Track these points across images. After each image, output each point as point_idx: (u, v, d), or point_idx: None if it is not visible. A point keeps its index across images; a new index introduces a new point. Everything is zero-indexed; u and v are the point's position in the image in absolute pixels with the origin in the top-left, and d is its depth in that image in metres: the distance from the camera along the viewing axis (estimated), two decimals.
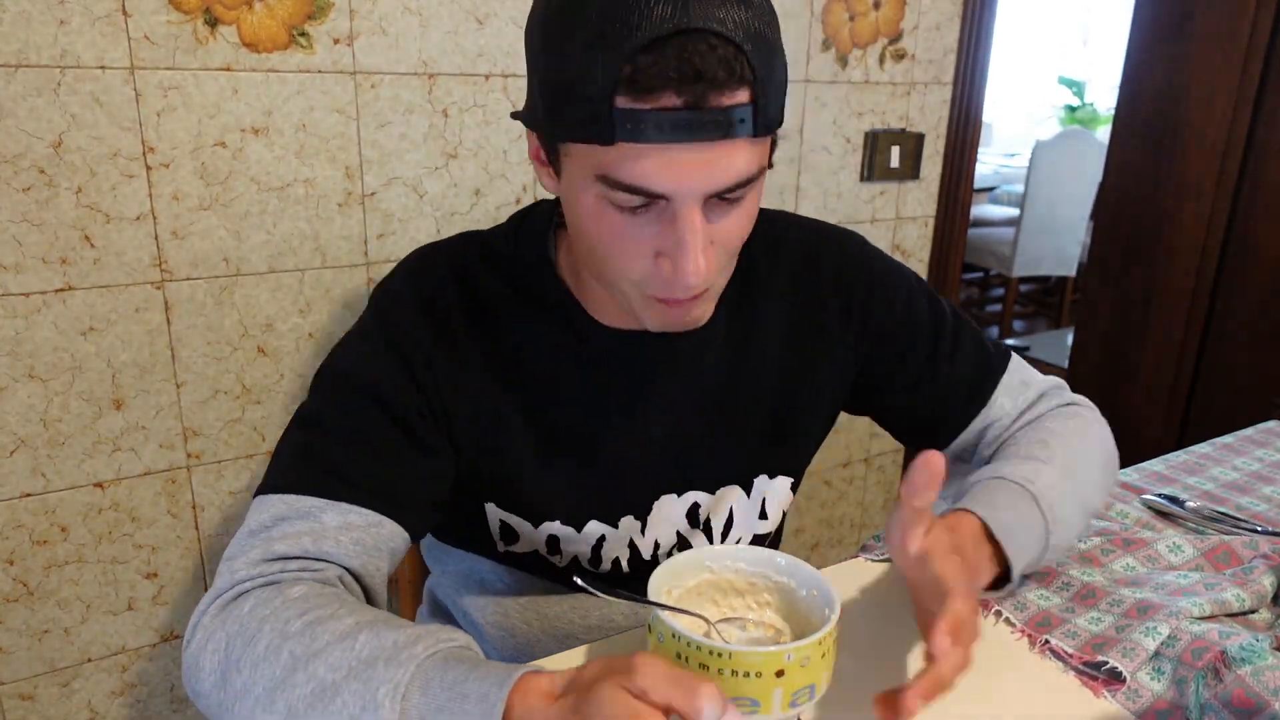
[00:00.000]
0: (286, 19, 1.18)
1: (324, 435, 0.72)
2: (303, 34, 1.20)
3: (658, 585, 0.66)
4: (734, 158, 0.61)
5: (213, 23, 1.14)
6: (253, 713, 0.59)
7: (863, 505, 2.06)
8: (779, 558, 0.71)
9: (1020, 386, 0.91)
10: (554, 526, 0.83)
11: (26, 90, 1.07)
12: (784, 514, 0.94)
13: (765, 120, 0.62)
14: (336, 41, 1.22)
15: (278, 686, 0.58)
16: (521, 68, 1.35)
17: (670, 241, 0.64)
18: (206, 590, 1.39)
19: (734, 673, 0.59)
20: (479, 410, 0.77)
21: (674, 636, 0.60)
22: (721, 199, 0.64)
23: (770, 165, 0.70)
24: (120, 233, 1.16)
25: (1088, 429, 0.88)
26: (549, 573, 0.88)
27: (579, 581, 0.64)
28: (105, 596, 1.28)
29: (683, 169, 0.60)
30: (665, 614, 0.61)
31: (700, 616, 0.67)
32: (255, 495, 0.71)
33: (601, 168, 0.62)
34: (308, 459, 0.71)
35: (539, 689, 0.52)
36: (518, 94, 1.36)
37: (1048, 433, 0.86)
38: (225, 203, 1.21)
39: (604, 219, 0.65)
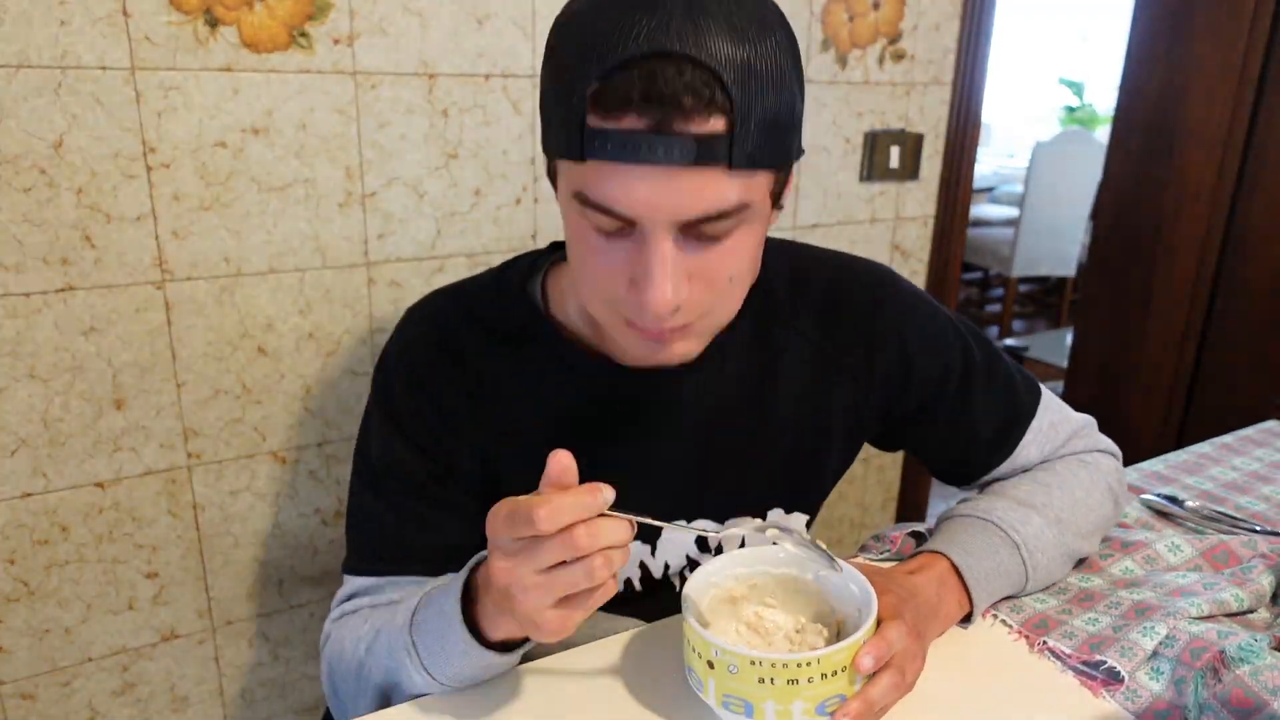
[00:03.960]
0: (287, 19, 1.18)
1: (365, 519, 0.82)
2: (303, 34, 1.20)
3: (690, 620, 0.65)
4: (704, 187, 0.59)
5: (213, 23, 1.14)
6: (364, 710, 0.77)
7: (863, 505, 2.06)
8: (774, 552, 0.71)
9: (1049, 431, 0.91)
10: None
11: (27, 91, 1.07)
12: None
13: (745, 153, 0.59)
14: (336, 42, 1.22)
15: (359, 694, 0.77)
16: (521, 68, 1.35)
17: (641, 269, 0.63)
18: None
19: (823, 675, 0.59)
20: (481, 464, 0.81)
21: (753, 663, 0.60)
22: (700, 231, 0.62)
23: (778, 205, 0.69)
24: (121, 233, 1.16)
25: (1096, 480, 0.89)
26: None
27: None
28: (105, 596, 1.28)
29: (646, 192, 0.59)
30: (731, 643, 0.64)
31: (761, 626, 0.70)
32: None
33: (578, 185, 0.63)
34: (358, 545, 0.83)
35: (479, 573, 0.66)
36: (518, 94, 1.36)
37: (1053, 476, 0.88)
38: (226, 203, 1.21)
39: (586, 240, 0.66)
